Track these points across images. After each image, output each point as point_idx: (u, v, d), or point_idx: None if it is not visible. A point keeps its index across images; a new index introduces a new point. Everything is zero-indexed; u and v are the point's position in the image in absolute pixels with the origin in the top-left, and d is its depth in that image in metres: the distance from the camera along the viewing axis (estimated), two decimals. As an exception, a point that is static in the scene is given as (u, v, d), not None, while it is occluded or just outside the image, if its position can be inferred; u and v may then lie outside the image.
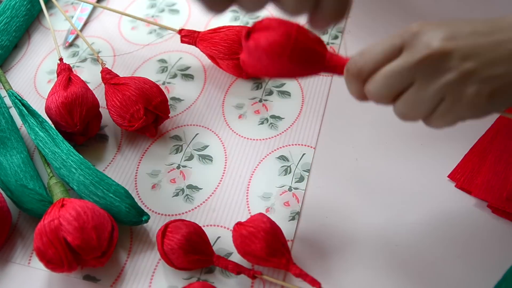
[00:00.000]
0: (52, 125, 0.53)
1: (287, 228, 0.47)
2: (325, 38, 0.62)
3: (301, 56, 0.37)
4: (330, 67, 0.39)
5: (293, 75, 0.39)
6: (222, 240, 0.47)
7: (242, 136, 0.54)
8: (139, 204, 0.50)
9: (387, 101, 0.37)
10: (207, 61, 0.61)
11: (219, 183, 0.51)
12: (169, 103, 0.55)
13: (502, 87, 0.33)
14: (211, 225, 0.48)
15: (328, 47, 0.61)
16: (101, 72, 0.56)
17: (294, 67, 0.38)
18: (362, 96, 0.38)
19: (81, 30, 0.67)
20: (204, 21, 0.66)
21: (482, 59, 0.33)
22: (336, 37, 0.62)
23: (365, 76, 0.37)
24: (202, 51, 0.58)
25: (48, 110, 0.53)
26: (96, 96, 0.55)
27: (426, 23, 0.35)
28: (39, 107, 0.57)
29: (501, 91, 0.34)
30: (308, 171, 0.51)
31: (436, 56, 0.34)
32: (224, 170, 0.52)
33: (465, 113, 0.34)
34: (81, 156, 0.49)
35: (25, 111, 0.53)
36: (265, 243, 0.42)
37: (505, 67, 0.33)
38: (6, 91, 0.56)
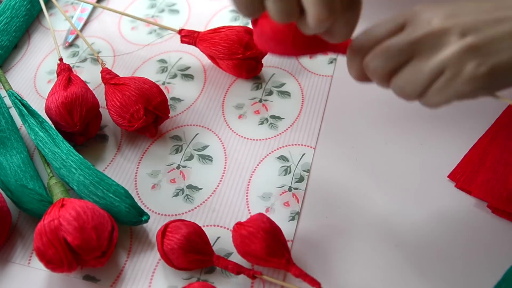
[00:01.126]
0: (52, 125, 0.53)
1: (287, 228, 0.47)
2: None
3: (304, 41, 0.39)
4: (333, 46, 0.40)
5: (298, 55, 0.41)
6: (222, 240, 0.47)
7: (242, 136, 0.54)
8: (139, 204, 0.50)
9: (384, 77, 0.37)
10: (207, 61, 0.61)
11: (219, 183, 0.51)
12: (169, 103, 0.55)
13: (502, 63, 0.33)
14: (211, 225, 0.48)
15: None
16: (101, 72, 0.56)
17: (298, 50, 0.40)
18: (361, 74, 0.38)
19: (81, 30, 0.67)
20: (204, 21, 0.66)
21: (483, 35, 0.33)
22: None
23: (365, 51, 0.37)
24: (202, 51, 0.58)
25: (48, 110, 0.53)
26: (96, 96, 0.55)
27: (429, 5, 0.36)
28: (39, 107, 0.57)
29: (501, 67, 0.33)
30: (308, 171, 0.51)
31: (437, 33, 0.34)
32: (224, 170, 0.52)
33: (464, 88, 0.34)
34: (81, 156, 0.49)
35: (25, 111, 0.53)
36: (265, 243, 0.42)
37: (507, 43, 0.33)
38: (6, 91, 0.56)
